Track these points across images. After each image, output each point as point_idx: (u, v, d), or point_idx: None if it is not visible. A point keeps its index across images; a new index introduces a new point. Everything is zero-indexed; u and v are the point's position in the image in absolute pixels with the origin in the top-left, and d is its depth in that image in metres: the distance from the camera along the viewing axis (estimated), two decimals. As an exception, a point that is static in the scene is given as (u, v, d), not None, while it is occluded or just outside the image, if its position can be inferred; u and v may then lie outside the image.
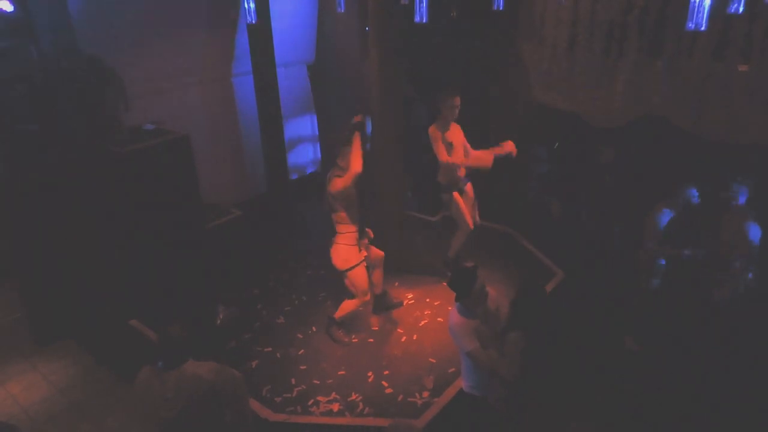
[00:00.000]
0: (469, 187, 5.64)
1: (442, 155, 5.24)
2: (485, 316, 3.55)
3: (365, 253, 4.95)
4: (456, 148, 5.34)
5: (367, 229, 4.98)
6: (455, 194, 5.49)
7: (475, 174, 5.57)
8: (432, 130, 5.25)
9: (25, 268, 5.18)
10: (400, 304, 5.45)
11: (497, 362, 3.37)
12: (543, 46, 6.55)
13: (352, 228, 4.81)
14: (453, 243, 5.81)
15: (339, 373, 4.74)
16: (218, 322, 5.19)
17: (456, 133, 5.38)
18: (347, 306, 5.04)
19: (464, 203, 5.53)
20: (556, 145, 6.54)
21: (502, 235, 6.73)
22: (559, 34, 6.33)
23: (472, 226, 5.59)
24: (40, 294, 5.25)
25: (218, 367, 2.81)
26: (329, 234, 5.00)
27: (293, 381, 4.66)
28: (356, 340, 5.15)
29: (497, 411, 3.57)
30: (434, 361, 4.83)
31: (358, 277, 4.88)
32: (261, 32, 6.23)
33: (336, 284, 5.58)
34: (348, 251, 4.82)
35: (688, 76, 5.43)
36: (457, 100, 5.20)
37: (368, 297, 5.03)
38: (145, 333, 5.06)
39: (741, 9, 3.44)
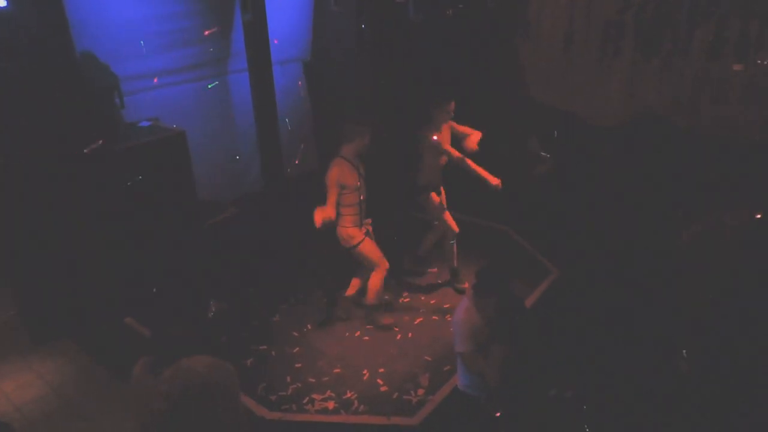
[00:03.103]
0: (441, 190, 5.60)
1: (454, 153, 5.22)
2: (488, 319, 3.56)
3: (366, 229, 5.03)
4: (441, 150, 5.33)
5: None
6: (433, 194, 5.47)
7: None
8: (431, 136, 5.22)
9: (20, 265, 5.16)
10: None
11: (484, 368, 3.41)
12: (539, 45, 6.56)
13: (354, 210, 4.88)
14: (448, 250, 5.74)
15: (334, 371, 4.74)
16: (210, 316, 5.19)
17: (445, 135, 5.34)
18: (374, 283, 5.09)
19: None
20: (555, 134, 6.52)
21: (497, 233, 6.74)
22: (555, 33, 6.34)
23: (456, 229, 5.58)
24: (36, 292, 5.23)
25: (213, 361, 2.81)
26: (325, 232, 5.01)
27: (288, 379, 4.66)
28: (356, 334, 5.16)
29: (491, 410, 3.59)
30: (429, 359, 4.84)
31: (368, 248, 4.98)
32: (256, 29, 6.21)
33: (332, 282, 5.59)
34: (351, 230, 4.91)
35: (684, 74, 5.45)
36: (452, 106, 5.20)
37: (387, 264, 5.08)
38: (141, 331, 5.05)
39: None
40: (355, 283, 5.34)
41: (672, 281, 4.78)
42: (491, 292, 3.46)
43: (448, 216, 5.58)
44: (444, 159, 5.38)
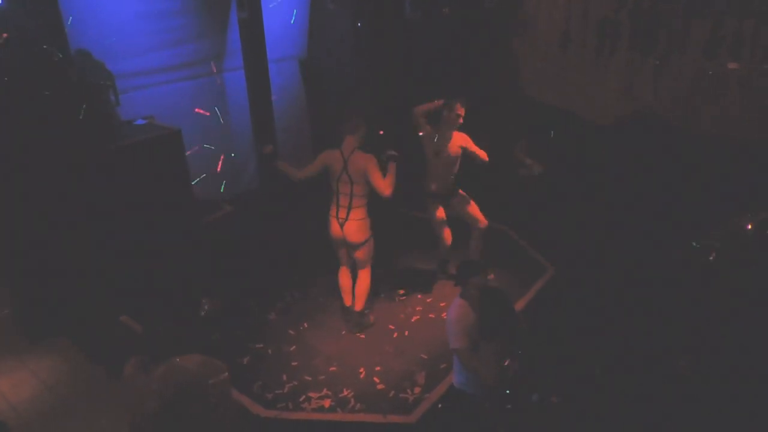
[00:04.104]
0: (459, 192, 5.56)
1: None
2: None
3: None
4: (444, 155, 5.26)
5: None
6: (437, 205, 5.45)
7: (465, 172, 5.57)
8: (425, 134, 5.22)
9: (16, 263, 5.14)
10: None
11: (478, 365, 3.42)
12: (535, 43, 6.57)
13: (365, 202, 4.88)
14: (440, 250, 5.76)
15: (330, 369, 4.74)
16: (202, 313, 5.19)
17: (455, 142, 5.22)
18: (366, 288, 5.11)
19: (456, 211, 5.52)
20: (552, 134, 6.54)
21: (495, 232, 6.74)
22: (551, 31, 6.35)
23: (449, 242, 5.56)
24: (31, 290, 5.21)
25: (204, 359, 2.81)
26: (320, 229, 5.01)
27: (285, 377, 4.65)
28: (344, 332, 5.18)
29: (486, 408, 3.59)
30: (426, 357, 4.84)
31: (372, 246, 5.03)
32: (252, 27, 6.20)
33: (328, 280, 5.59)
34: (365, 224, 4.92)
35: (680, 73, 5.46)
36: (461, 110, 5.08)
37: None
38: (136, 329, 5.04)
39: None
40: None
41: (673, 283, 4.80)
42: (471, 275, 3.58)
43: (447, 232, 5.55)
44: (455, 167, 5.33)
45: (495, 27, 6.83)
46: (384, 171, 4.68)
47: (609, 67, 5.97)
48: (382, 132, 4.93)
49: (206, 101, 6.71)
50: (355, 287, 5.14)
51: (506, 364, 3.50)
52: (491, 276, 5.77)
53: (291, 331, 5.22)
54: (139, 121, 5.52)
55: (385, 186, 4.66)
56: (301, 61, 7.64)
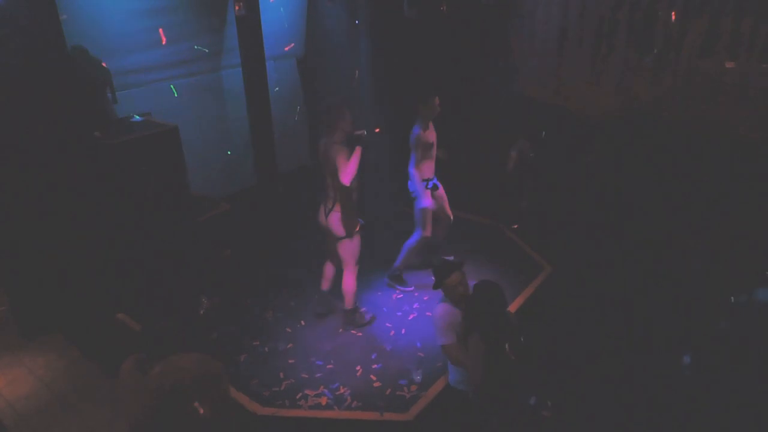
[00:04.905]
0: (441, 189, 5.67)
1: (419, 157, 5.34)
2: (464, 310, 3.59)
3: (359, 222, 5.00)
4: (433, 147, 5.39)
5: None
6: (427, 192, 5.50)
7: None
8: (418, 132, 5.26)
9: (10, 260, 5.13)
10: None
11: (466, 363, 3.42)
12: (533, 41, 6.58)
13: (352, 196, 4.84)
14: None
15: (327, 366, 4.75)
16: (201, 312, 5.19)
17: (432, 132, 5.38)
18: (348, 287, 5.07)
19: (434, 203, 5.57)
20: (543, 133, 6.55)
21: (489, 228, 6.75)
22: (549, 29, 6.36)
23: (429, 234, 5.59)
24: (26, 287, 5.20)
25: (202, 358, 2.81)
26: (318, 227, 5.02)
27: (281, 375, 4.66)
28: (350, 330, 5.19)
29: (479, 405, 3.60)
30: (422, 355, 4.85)
31: (355, 244, 4.95)
32: (250, 24, 6.18)
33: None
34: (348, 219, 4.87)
35: (676, 72, 5.48)
36: (437, 101, 5.23)
37: (356, 265, 5.09)
38: (133, 326, 5.04)
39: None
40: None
41: (672, 281, 4.80)
42: (446, 277, 3.64)
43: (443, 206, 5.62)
44: (434, 153, 5.40)
45: (493, 25, 6.84)
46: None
47: (606, 66, 5.98)
48: (378, 129, 4.93)
49: (204, 98, 6.70)
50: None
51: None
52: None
53: (288, 329, 5.22)
54: (136, 118, 5.50)
55: (341, 172, 4.53)
56: (299, 59, 7.63)
